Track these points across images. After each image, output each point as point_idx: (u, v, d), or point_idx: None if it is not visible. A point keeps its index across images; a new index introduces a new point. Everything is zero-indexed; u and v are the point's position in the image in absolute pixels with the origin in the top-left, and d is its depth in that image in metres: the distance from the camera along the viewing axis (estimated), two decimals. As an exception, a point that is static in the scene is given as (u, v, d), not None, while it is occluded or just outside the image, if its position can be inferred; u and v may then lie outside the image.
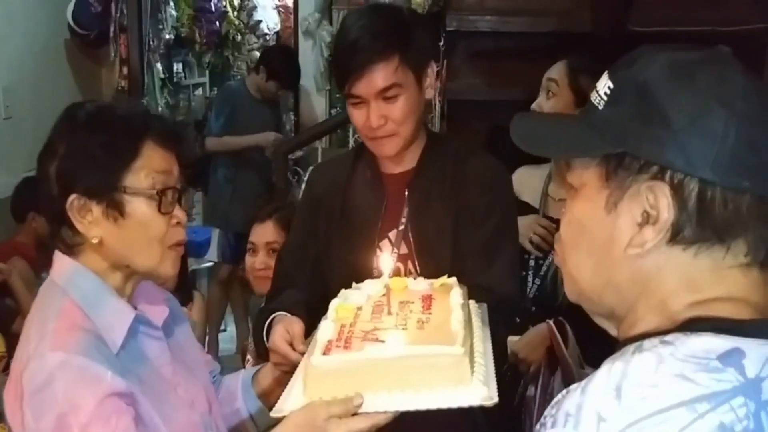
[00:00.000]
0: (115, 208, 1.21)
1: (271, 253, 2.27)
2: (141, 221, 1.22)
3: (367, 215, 1.65)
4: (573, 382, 1.84)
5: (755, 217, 0.74)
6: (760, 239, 0.75)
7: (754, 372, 0.69)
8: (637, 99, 0.76)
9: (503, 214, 1.64)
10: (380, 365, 1.13)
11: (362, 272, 1.59)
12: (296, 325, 1.43)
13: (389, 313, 1.27)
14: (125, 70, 4.35)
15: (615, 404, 0.67)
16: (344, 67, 1.53)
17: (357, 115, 1.57)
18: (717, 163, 0.72)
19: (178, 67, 5.79)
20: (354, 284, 1.45)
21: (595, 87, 0.82)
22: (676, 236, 0.74)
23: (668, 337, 0.72)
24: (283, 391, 1.45)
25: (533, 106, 2.17)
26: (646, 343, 0.72)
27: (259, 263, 2.29)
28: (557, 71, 2.14)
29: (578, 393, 0.71)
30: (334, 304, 1.34)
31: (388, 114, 1.54)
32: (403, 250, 1.63)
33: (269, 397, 1.49)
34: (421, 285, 1.40)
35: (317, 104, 5.00)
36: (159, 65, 4.82)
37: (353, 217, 1.67)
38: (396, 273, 1.60)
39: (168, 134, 1.27)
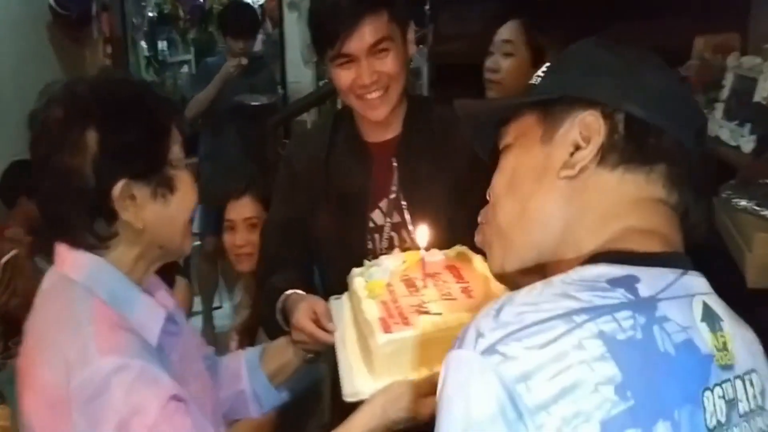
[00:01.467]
0: (166, 185, 1.16)
1: (251, 229, 2.24)
2: (186, 192, 1.19)
3: (355, 186, 1.62)
4: None
5: (672, 156, 0.81)
6: (676, 176, 0.81)
7: (648, 293, 0.71)
8: (569, 63, 0.87)
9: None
10: (447, 337, 1.12)
11: (355, 245, 1.57)
12: (320, 304, 1.41)
13: (425, 285, 1.26)
14: (109, 50, 4.30)
15: (492, 322, 0.69)
16: (331, 27, 1.47)
17: (345, 75, 1.51)
18: (643, 103, 0.80)
19: (162, 45, 5.74)
20: (366, 262, 1.42)
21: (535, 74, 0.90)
22: (604, 159, 0.80)
23: (583, 270, 0.74)
24: (288, 367, 1.48)
25: (488, 64, 2.22)
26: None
27: (239, 240, 2.26)
28: (511, 32, 2.20)
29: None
30: (360, 283, 1.31)
31: (380, 69, 1.50)
32: (396, 219, 1.61)
33: (278, 377, 1.49)
34: (437, 256, 1.38)
35: (304, 77, 4.98)
36: (143, 43, 4.77)
37: (340, 190, 1.63)
38: (389, 243, 1.60)
39: (171, 103, 1.25)
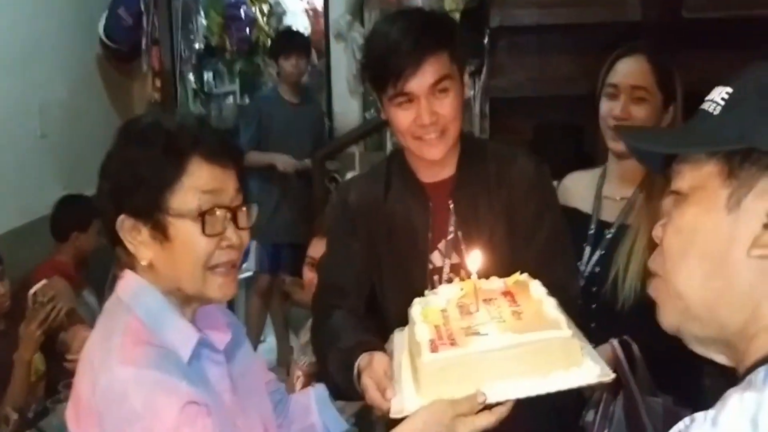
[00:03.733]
0: (160, 231, 1.17)
1: None
2: (185, 244, 1.18)
3: (415, 228, 1.61)
4: (636, 410, 1.72)
5: None
6: None
7: None
8: (761, 97, 0.74)
9: (554, 217, 1.63)
10: (491, 356, 1.16)
11: (416, 287, 1.54)
12: (376, 367, 1.36)
13: (477, 309, 1.28)
14: (158, 83, 4.33)
15: None
16: (393, 66, 1.47)
17: (403, 116, 1.51)
18: None
19: (208, 76, 5.77)
20: (426, 291, 1.44)
21: (706, 98, 0.80)
22: None
23: None
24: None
25: (616, 112, 1.88)
26: None
27: None
28: (641, 75, 1.88)
29: (708, 425, 0.67)
30: (417, 310, 1.33)
31: (439, 110, 1.49)
32: (455, 259, 1.59)
33: (348, 409, 1.52)
34: (495, 284, 1.39)
35: (350, 108, 4.94)
36: (191, 76, 4.78)
37: (401, 232, 1.62)
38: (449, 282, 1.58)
39: (219, 149, 1.20)
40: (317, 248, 2.24)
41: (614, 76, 1.91)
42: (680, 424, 0.69)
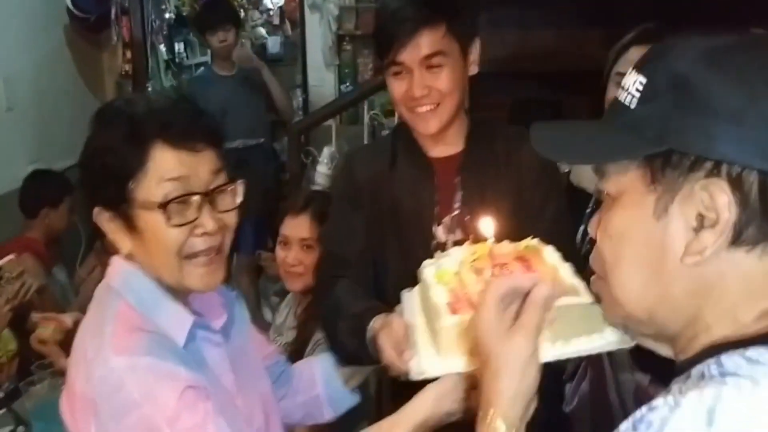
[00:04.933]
0: (129, 223, 1.14)
1: (305, 249, 2.19)
2: (154, 235, 1.13)
3: (421, 202, 1.61)
4: (603, 386, 1.72)
5: None
6: None
7: None
8: (675, 91, 0.69)
9: (559, 200, 1.64)
10: None
11: (419, 261, 1.51)
12: (396, 327, 1.34)
13: (494, 275, 1.26)
14: (128, 54, 4.21)
15: (705, 430, 0.61)
16: (389, 34, 1.48)
17: (397, 86, 1.53)
18: None
19: (179, 47, 5.63)
20: (436, 253, 1.41)
21: (621, 86, 0.76)
22: (738, 237, 0.67)
23: (751, 353, 0.66)
24: (363, 370, 1.54)
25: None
26: (726, 360, 0.66)
27: (292, 259, 2.19)
28: None
29: (666, 409, 0.64)
30: (430, 272, 1.30)
31: (431, 84, 1.49)
32: (458, 235, 1.59)
33: (353, 380, 1.54)
34: (507, 248, 1.36)
35: (326, 80, 4.87)
36: (162, 47, 4.66)
37: (406, 205, 1.62)
38: None
39: (187, 133, 1.12)
40: (291, 227, 2.21)
41: (625, 65, 1.77)
42: (644, 409, 0.68)
